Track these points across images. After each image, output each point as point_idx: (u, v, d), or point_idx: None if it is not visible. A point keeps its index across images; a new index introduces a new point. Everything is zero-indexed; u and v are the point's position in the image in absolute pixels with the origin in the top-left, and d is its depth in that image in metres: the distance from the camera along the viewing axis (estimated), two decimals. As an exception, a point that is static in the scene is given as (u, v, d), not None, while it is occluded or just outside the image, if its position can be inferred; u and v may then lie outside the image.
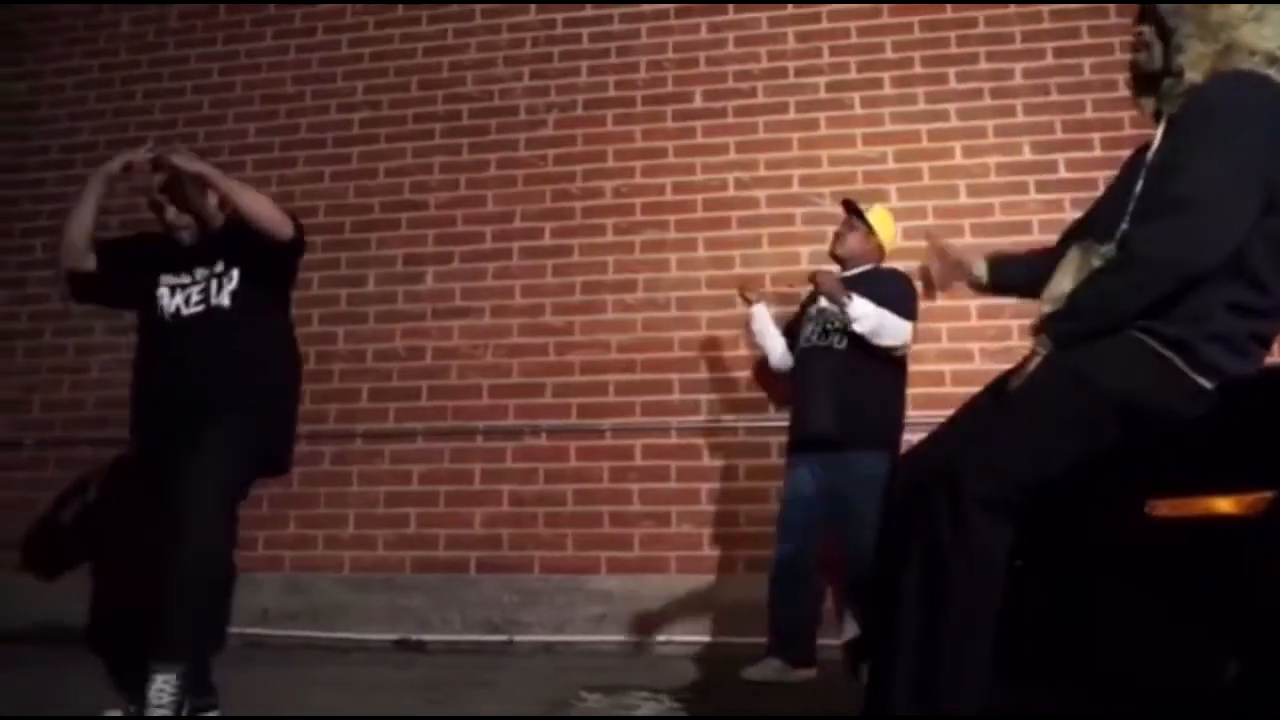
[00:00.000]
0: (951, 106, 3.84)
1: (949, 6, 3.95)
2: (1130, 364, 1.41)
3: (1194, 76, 1.48)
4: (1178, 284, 1.38)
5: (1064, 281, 1.49)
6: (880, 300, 2.98)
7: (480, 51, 4.23)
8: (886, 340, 2.98)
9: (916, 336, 3.61)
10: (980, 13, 3.91)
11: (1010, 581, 1.48)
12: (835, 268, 3.24)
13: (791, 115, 3.94)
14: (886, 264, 3.26)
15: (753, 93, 3.99)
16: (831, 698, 2.41)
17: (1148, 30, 1.56)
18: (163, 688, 1.95)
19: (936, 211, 3.75)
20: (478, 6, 4.27)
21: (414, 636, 3.63)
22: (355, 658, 3.26)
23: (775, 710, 2.50)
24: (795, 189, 3.86)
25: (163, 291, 2.35)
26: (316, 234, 4.14)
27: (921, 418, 3.37)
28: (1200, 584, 1.31)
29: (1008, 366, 1.57)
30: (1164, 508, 1.35)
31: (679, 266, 3.87)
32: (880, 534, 1.59)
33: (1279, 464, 1.27)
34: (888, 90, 3.91)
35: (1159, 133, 1.54)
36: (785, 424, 3.24)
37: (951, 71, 3.87)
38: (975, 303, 3.63)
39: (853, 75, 3.94)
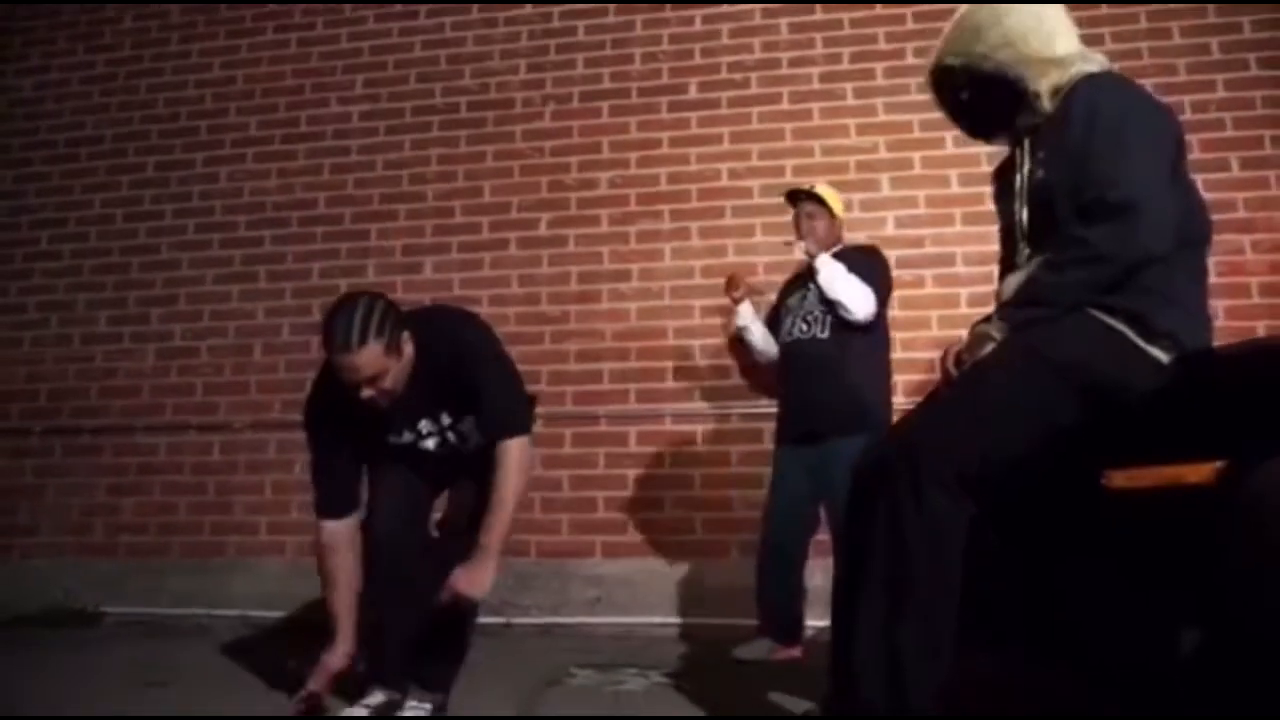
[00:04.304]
0: (943, 97, 3.86)
1: (941, -3, 3.97)
2: (1086, 341, 1.46)
3: (1045, 104, 1.59)
4: (1134, 269, 1.45)
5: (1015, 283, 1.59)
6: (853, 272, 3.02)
7: (477, 45, 4.28)
8: (841, 295, 2.96)
9: (906, 324, 3.67)
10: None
11: (984, 558, 1.52)
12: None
13: (785, 106, 3.98)
14: (852, 241, 3.31)
15: (746, 84, 4.03)
16: (815, 677, 2.45)
17: (966, 93, 1.68)
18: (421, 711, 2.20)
19: (928, 200, 3.79)
20: (474, 1, 4.32)
21: (413, 620, 3.69)
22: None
23: (757, 687, 2.55)
24: (788, 179, 3.89)
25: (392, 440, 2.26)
26: (317, 225, 4.22)
27: (910, 405, 3.42)
28: (1157, 554, 1.33)
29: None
30: (1120, 479, 1.37)
31: (673, 256, 3.91)
32: (844, 520, 1.61)
33: (1232, 433, 1.29)
34: (880, 81, 3.94)
35: (1024, 151, 1.64)
36: (775, 410, 3.25)
37: (943, 62, 3.90)
38: (965, 290, 3.67)
39: (845, 66, 3.97)
